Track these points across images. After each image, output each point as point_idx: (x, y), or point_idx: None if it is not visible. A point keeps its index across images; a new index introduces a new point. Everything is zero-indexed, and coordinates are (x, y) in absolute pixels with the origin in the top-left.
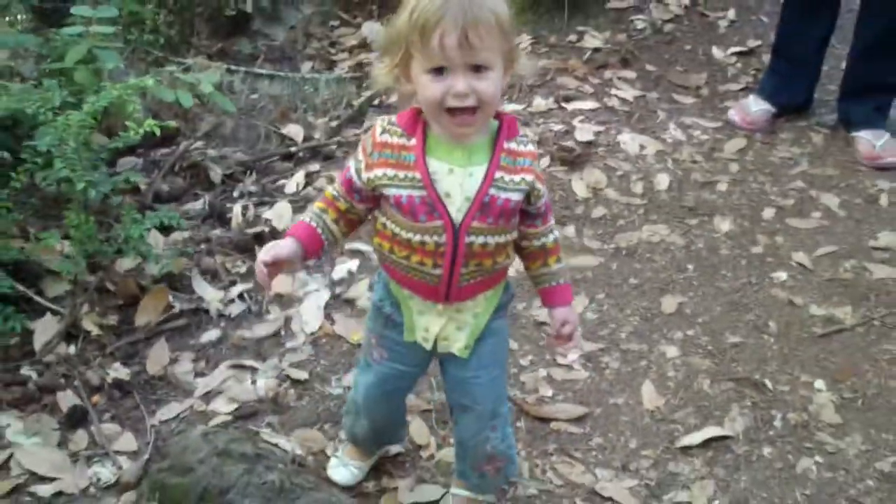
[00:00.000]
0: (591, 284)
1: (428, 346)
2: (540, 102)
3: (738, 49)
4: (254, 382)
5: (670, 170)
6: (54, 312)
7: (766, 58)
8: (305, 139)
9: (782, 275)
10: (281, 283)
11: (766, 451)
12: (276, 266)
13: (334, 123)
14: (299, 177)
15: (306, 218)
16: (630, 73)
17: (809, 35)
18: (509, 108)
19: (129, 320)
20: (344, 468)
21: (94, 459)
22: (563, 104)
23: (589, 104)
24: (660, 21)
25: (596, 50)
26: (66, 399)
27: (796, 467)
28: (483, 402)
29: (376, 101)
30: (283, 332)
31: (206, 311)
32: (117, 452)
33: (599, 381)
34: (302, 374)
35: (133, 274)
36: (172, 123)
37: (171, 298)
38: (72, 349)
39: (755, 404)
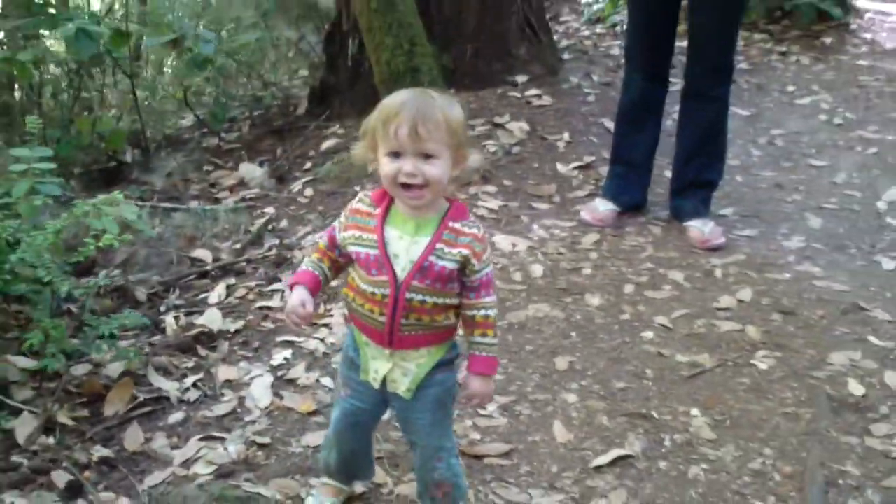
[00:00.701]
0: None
1: (376, 385)
2: None
3: (577, 164)
4: (225, 449)
5: (541, 261)
6: (30, 412)
7: (602, 170)
8: (215, 260)
9: (649, 334)
10: (226, 372)
11: (662, 464)
12: (306, 310)
13: (237, 246)
14: (220, 289)
15: (308, 266)
16: (491, 188)
17: (639, 145)
18: None
19: (97, 412)
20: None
21: None
22: None
23: None
24: (508, 144)
25: None
26: (60, 477)
27: (688, 474)
28: (427, 439)
29: (270, 227)
30: (238, 410)
31: (168, 399)
32: None
33: (517, 425)
34: (265, 440)
35: (91, 375)
36: (128, 237)
37: (134, 391)
38: (51, 440)
39: (646, 431)
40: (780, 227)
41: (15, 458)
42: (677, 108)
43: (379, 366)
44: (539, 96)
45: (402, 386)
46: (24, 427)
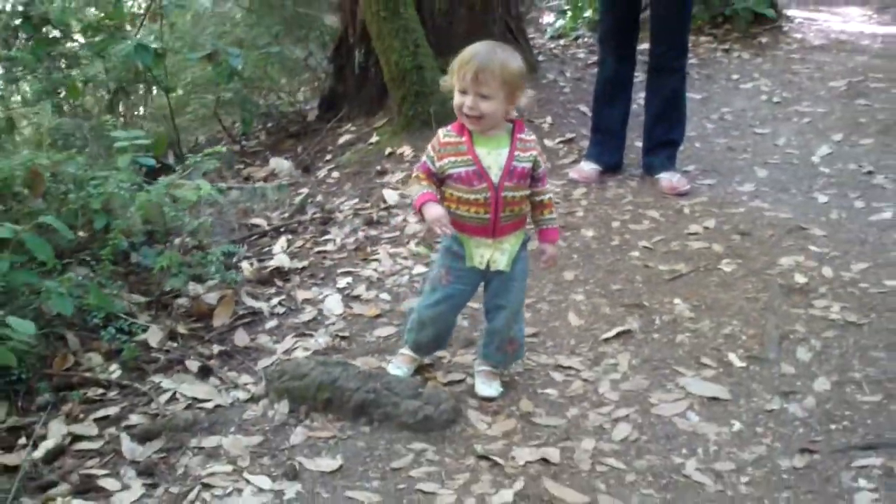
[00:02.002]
0: None
1: (482, 267)
2: None
3: (561, 139)
4: (316, 341)
5: None
6: (156, 326)
7: (582, 143)
8: (269, 225)
9: (636, 253)
10: (303, 294)
11: (655, 335)
12: (442, 217)
13: (286, 215)
14: (282, 242)
15: (425, 189)
16: None
17: (614, 115)
18: None
19: (208, 325)
20: (398, 369)
21: (229, 390)
22: None
23: None
24: None
25: None
26: (192, 364)
27: (675, 340)
28: (514, 301)
29: (310, 200)
30: (319, 317)
31: (262, 313)
32: (241, 386)
33: (539, 317)
34: (345, 334)
35: (195, 300)
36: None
37: (235, 306)
38: (175, 344)
39: (641, 315)
40: (734, 178)
41: (154, 355)
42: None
43: (483, 251)
44: None
45: (503, 263)
46: (154, 336)
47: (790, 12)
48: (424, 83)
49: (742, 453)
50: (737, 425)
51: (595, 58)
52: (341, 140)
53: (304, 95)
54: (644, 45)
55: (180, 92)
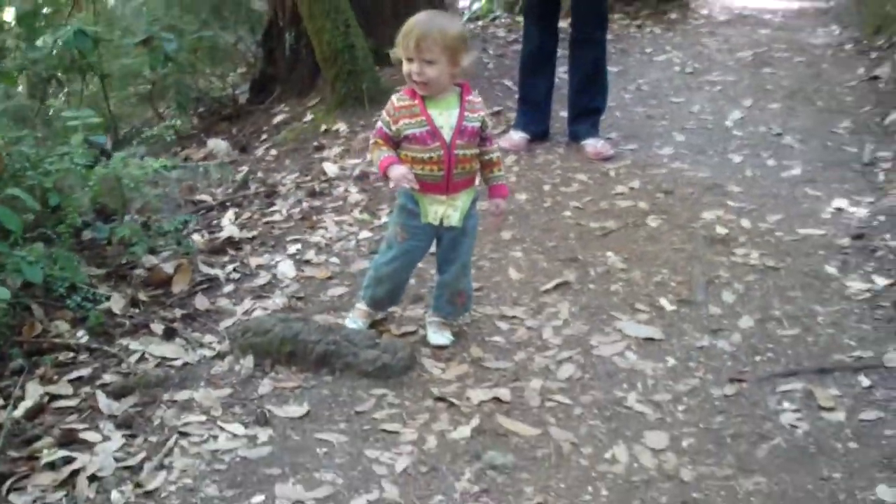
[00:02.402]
0: None
1: (436, 223)
2: None
3: (489, 112)
4: (274, 301)
5: None
6: (118, 294)
7: (509, 115)
8: (214, 200)
9: (567, 213)
10: (256, 260)
11: (591, 286)
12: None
13: (230, 190)
14: (230, 214)
15: (386, 154)
16: None
17: (539, 86)
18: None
19: (167, 292)
20: (353, 322)
21: (195, 349)
22: None
23: None
24: None
25: None
26: (157, 327)
27: (610, 289)
28: (463, 255)
29: (251, 176)
30: (273, 281)
31: (218, 279)
32: (206, 345)
33: (482, 273)
34: (300, 294)
35: (152, 270)
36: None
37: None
38: (137, 310)
39: (576, 268)
40: (654, 142)
41: (119, 320)
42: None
43: (437, 208)
44: None
45: (455, 219)
46: (116, 303)
47: None
48: (356, 62)
49: (677, 385)
50: (671, 361)
51: (514, 36)
52: (276, 120)
53: (234, 80)
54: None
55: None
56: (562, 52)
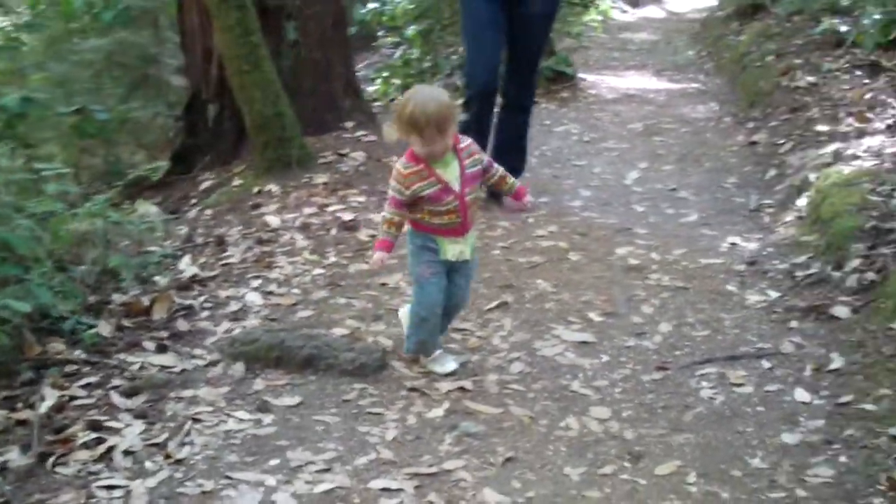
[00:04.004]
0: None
1: (456, 260)
2: (312, 210)
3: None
4: (250, 322)
5: None
6: (104, 321)
7: None
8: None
9: (496, 251)
10: (225, 292)
11: (528, 305)
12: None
13: (177, 243)
14: (186, 259)
15: (381, 236)
16: (355, 191)
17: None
18: None
19: (149, 320)
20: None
21: (189, 359)
22: (323, 209)
23: (339, 206)
24: (355, 166)
25: (324, 184)
26: (149, 344)
27: (545, 307)
28: (472, 275)
29: (194, 232)
30: (244, 308)
31: (193, 307)
32: (198, 356)
33: None
34: (273, 317)
35: (131, 302)
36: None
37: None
38: (123, 333)
39: (512, 292)
40: (564, 196)
41: (111, 340)
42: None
43: (455, 247)
44: (366, 135)
45: (468, 254)
46: (104, 328)
47: (581, 74)
48: (285, 129)
49: (612, 374)
50: (605, 357)
51: None
52: (203, 186)
53: (151, 153)
54: None
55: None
56: None
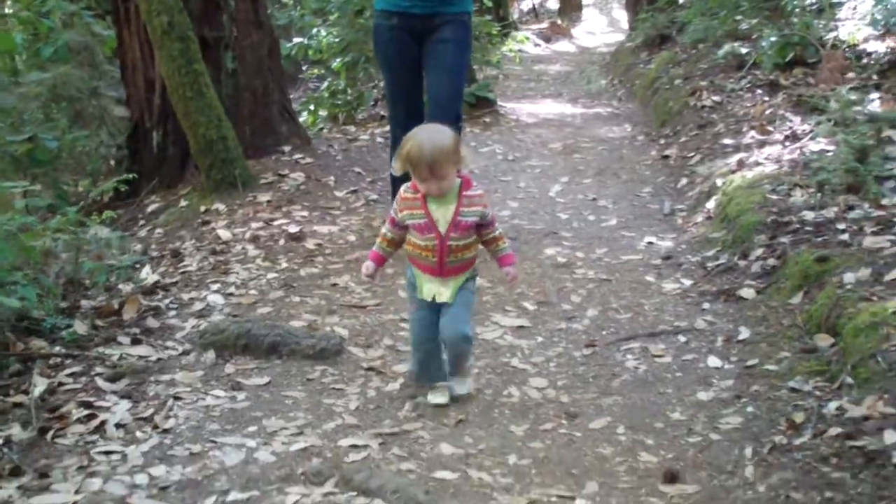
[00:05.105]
0: None
1: (429, 299)
2: (259, 224)
3: (347, 190)
4: (216, 318)
5: (355, 238)
6: (78, 321)
7: (365, 193)
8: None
9: None
10: (187, 294)
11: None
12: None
13: (134, 257)
14: (146, 269)
15: (375, 249)
16: (298, 207)
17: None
18: None
19: (120, 320)
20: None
21: (163, 350)
22: (269, 223)
23: (284, 220)
24: (295, 186)
25: (268, 201)
26: (124, 339)
27: (483, 299)
28: (457, 318)
29: (149, 247)
30: (208, 307)
31: (159, 307)
32: (171, 348)
33: (375, 294)
34: (236, 313)
35: (101, 305)
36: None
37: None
38: (98, 332)
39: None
40: (493, 208)
41: (89, 336)
42: None
43: (430, 287)
44: (303, 158)
45: (446, 296)
46: (80, 327)
47: (501, 103)
48: (228, 151)
49: (547, 352)
50: (539, 339)
51: (349, 138)
52: (150, 209)
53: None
54: None
55: None
56: None
